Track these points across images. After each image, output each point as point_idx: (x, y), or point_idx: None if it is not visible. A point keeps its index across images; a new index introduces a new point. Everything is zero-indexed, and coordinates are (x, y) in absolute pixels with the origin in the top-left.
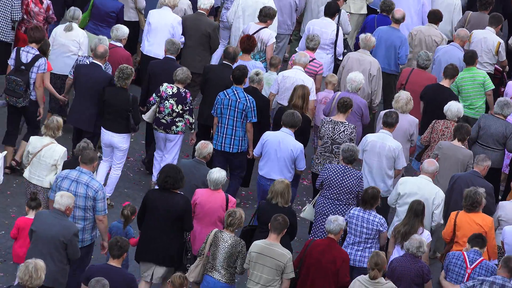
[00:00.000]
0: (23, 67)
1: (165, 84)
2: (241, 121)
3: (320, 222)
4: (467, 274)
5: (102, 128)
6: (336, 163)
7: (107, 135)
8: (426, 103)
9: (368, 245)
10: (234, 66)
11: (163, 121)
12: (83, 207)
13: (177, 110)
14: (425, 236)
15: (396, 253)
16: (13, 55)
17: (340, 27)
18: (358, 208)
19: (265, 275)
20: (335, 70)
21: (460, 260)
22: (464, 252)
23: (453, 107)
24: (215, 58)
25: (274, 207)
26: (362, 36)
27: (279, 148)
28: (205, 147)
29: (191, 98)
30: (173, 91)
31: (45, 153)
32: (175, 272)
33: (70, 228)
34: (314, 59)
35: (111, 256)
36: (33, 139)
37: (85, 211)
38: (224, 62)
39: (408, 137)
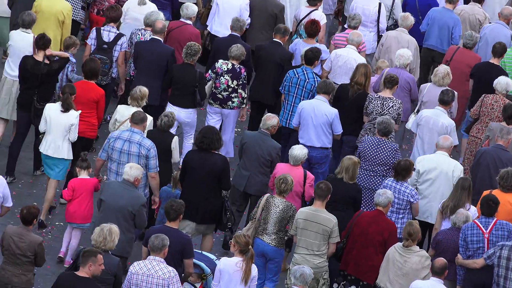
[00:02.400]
0: (105, 45)
1: (220, 61)
2: None
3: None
4: (485, 239)
5: (169, 103)
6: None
7: (174, 110)
8: (476, 81)
9: (400, 215)
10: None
11: (219, 96)
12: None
13: (232, 86)
14: (472, 212)
15: (444, 228)
16: (92, 35)
17: (382, 4)
18: (392, 179)
19: (312, 240)
20: None
21: (475, 229)
22: (476, 221)
23: (502, 81)
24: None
25: (339, 182)
26: (401, 14)
27: (315, 115)
28: (270, 119)
29: (245, 74)
30: (228, 67)
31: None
32: (216, 229)
33: (139, 198)
34: None
35: (168, 219)
36: (121, 107)
37: None
38: (274, 40)
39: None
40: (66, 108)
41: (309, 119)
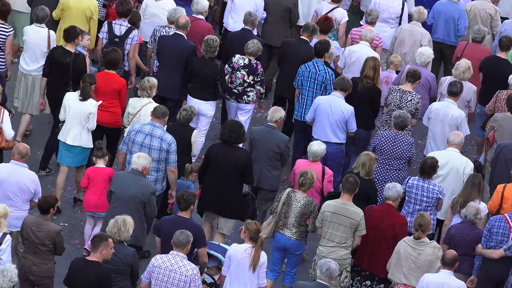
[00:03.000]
0: (117, 39)
1: (237, 56)
2: (321, 93)
3: None
4: (511, 234)
5: (188, 96)
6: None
7: (194, 103)
8: (484, 74)
9: (429, 213)
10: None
11: (235, 91)
12: (157, 159)
13: (248, 81)
14: (482, 207)
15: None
16: (104, 29)
17: (405, 2)
18: (417, 177)
19: (339, 233)
20: None
21: (503, 222)
22: (506, 215)
23: None
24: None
25: (357, 176)
26: (414, 8)
27: (331, 111)
28: (278, 111)
29: (262, 70)
30: (244, 62)
31: (144, 112)
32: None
33: (148, 187)
34: None
35: (179, 208)
36: (132, 100)
37: (159, 162)
38: (301, 37)
39: (465, 103)
40: (84, 97)
41: (325, 115)
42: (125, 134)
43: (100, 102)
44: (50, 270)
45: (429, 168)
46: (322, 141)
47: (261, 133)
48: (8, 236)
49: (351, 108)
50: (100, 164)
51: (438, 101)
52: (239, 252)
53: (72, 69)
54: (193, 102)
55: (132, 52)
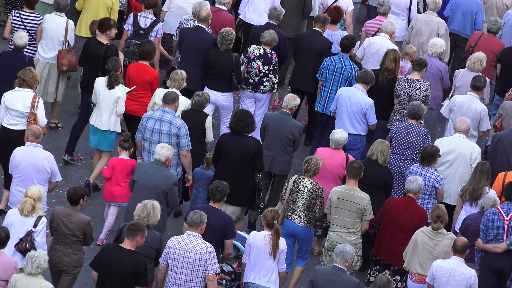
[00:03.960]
0: (141, 31)
1: (252, 46)
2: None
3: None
4: (506, 226)
5: (206, 87)
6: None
7: (211, 95)
8: (503, 65)
9: (425, 201)
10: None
11: (251, 81)
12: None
13: (263, 71)
14: (491, 195)
15: (463, 212)
16: (129, 20)
17: None
18: (418, 165)
19: (346, 218)
20: None
21: (497, 215)
22: (499, 207)
23: None
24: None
25: (373, 164)
26: None
27: (350, 102)
28: (294, 99)
29: (276, 59)
30: (260, 52)
31: None
32: (248, 211)
33: (171, 177)
34: None
35: (212, 200)
36: (159, 91)
37: None
38: (314, 28)
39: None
40: (111, 85)
41: (344, 105)
42: None
43: (134, 87)
44: (80, 260)
45: (428, 155)
46: None
47: (274, 119)
48: (43, 218)
49: (370, 101)
50: (124, 155)
51: (452, 93)
52: (258, 240)
53: (103, 61)
54: (209, 94)
55: (156, 45)
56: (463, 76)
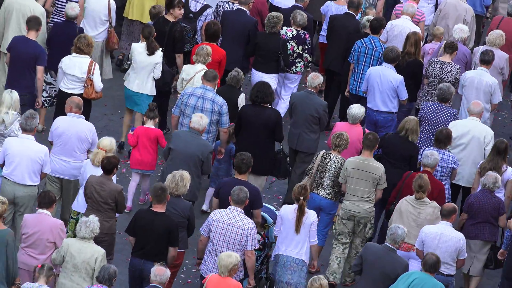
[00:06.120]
0: (191, 15)
1: (284, 28)
2: None
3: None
4: None
5: (253, 69)
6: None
7: (257, 76)
8: None
9: (443, 182)
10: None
11: None
12: (209, 121)
13: (297, 51)
14: (509, 172)
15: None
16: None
17: None
18: (432, 147)
19: (362, 187)
20: None
21: None
22: None
23: None
24: None
25: (402, 140)
26: None
27: (381, 81)
28: (317, 77)
29: (309, 39)
30: (293, 33)
31: (198, 79)
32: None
33: (207, 146)
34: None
35: (238, 172)
36: (186, 67)
37: (210, 124)
38: (347, 11)
39: (499, 71)
40: (151, 52)
41: (376, 84)
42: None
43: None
44: (112, 227)
45: (444, 138)
46: (374, 110)
47: (300, 98)
48: (114, 170)
49: (400, 78)
50: (150, 124)
51: (473, 69)
52: (289, 213)
53: (167, 37)
54: (256, 75)
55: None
56: None
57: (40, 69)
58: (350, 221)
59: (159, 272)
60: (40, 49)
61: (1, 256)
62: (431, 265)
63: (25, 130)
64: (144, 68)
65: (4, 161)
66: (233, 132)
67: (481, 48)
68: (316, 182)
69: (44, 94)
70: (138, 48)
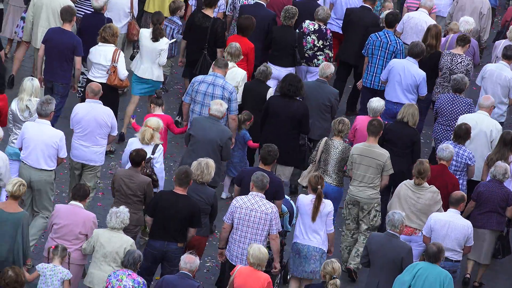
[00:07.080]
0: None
1: (307, 21)
2: None
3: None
4: None
5: (269, 63)
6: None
7: (274, 70)
8: None
9: (457, 177)
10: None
11: (305, 54)
12: None
13: (318, 45)
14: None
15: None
16: None
17: None
18: (450, 142)
19: (367, 173)
20: None
21: None
22: None
23: None
24: None
25: (404, 126)
26: None
27: (404, 74)
28: (328, 67)
29: (331, 35)
30: (314, 27)
31: (228, 76)
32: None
33: (226, 132)
34: None
35: (264, 163)
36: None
37: None
38: (364, 5)
39: None
40: (156, 38)
41: (398, 77)
42: None
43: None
44: (140, 219)
45: (464, 133)
46: (393, 102)
47: (312, 87)
48: (160, 146)
49: (423, 74)
50: (158, 111)
51: (494, 63)
52: (306, 203)
53: (210, 33)
54: (272, 69)
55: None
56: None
57: (78, 59)
58: (355, 207)
59: (189, 260)
60: (77, 39)
61: (18, 237)
62: (431, 255)
63: (40, 115)
64: (149, 53)
65: (22, 145)
66: (250, 122)
67: (502, 42)
68: (320, 169)
69: (78, 84)
70: (145, 33)
